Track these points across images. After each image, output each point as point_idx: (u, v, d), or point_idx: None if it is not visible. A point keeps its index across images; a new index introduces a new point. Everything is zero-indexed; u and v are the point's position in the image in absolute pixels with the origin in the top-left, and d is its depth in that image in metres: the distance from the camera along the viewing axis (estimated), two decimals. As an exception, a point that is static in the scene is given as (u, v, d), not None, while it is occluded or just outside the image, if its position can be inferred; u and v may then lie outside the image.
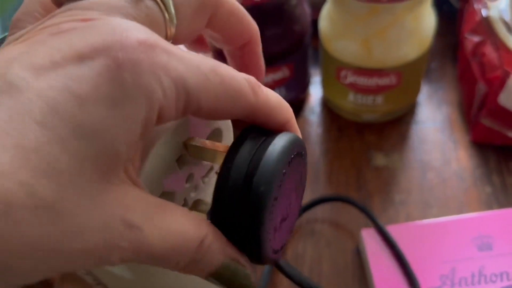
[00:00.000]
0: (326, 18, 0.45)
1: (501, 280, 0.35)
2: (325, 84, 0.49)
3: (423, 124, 0.49)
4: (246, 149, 0.18)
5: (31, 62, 0.14)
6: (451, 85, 0.52)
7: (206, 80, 0.16)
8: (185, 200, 0.23)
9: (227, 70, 0.17)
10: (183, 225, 0.16)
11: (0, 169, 0.12)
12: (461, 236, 0.38)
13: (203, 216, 0.22)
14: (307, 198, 0.44)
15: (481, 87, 0.44)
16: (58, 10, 0.17)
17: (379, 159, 0.46)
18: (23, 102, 0.13)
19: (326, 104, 0.52)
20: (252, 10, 0.41)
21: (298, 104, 0.52)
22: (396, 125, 0.49)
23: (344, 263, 0.40)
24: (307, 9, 0.46)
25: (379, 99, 0.45)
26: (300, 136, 0.21)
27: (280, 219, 0.19)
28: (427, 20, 0.42)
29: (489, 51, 0.44)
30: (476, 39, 0.46)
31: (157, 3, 0.17)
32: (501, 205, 0.42)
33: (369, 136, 0.48)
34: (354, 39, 0.42)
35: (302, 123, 0.50)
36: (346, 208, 0.43)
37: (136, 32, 0.15)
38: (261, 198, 0.17)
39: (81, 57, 0.14)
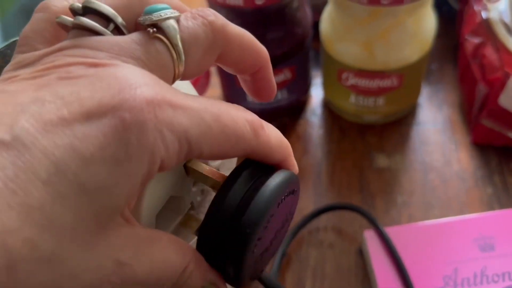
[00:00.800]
0: (327, 21, 0.45)
1: (503, 280, 0.36)
2: (327, 86, 0.49)
3: (424, 125, 0.49)
4: (239, 186, 0.19)
5: (39, 115, 0.14)
6: (451, 86, 0.52)
7: (208, 130, 0.16)
8: (192, 203, 0.24)
9: (230, 116, 0.17)
10: (168, 255, 0.17)
11: (7, 226, 0.12)
12: (463, 236, 0.38)
13: (191, 233, 0.23)
14: (309, 200, 0.44)
15: (482, 88, 0.45)
16: (66, 42, 0.17)
17: (381, 160, 0.46)
18: (29, 160, 0.13)
19: (327, 106, 0.52)
20: (254, 13, 0.41)
21: (299, 106, 0.52)
22: (397, 126, 0.49)
23: (347, 265, 0.40)
24: (308, 12, 0.46)
25: (381, 100, 0.46)
26: (297, 170, 0.21)
27: (262, 252, 0.20)
28: (428, 22, 0.43)
29: (490, 53, 0.44)
30: (476, 40, 0.46)
31: (166, 45, 0.17)
32: (503, 205, 0.42)
33: (370, 137, 0.48)
34: (355, 41, 0.42)
35: (303, 124, 0.51)
36: (348, 210, 0.43)
37: (144, 89, 0.15)
38: (246, 239, 0.18)
39: (89, 115, 0.14)
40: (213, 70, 0.54)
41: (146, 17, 0.18)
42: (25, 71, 0.16)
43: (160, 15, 0.17)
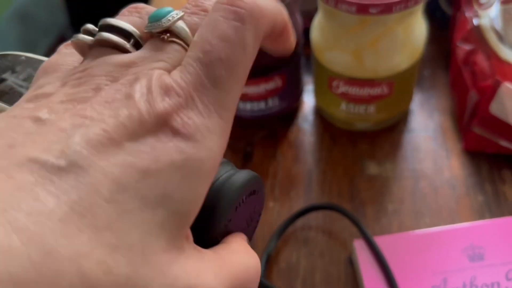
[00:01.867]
0: (317, 29, 0.45)
1: (493, 290, 0.36)
2: (318, 93, 0.49)
3: (416, 132, 0.49)
4: None
5: (88, 138, 0.14)
6: (444, 93, 0.52)
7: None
8: None
9: None
10: (244, 260, 0.18)
11: (80, 251, 0.13)
12: (452, 246, 0.38)
13: None
14: (300, 207, 0.44)
15: (473, 96, 0.44)
16: (91, 61, 0.17)
17: (372, 168, 0.46)
18: (89, 182, 0.13)
19: (319, 113, 0.52)
20: (244, 22, 0.41)
21: (291, 112, 0.52)
22: (388, 134, 0.49)
23: (337, 274, 0.40)
24: (299, 20, 0.46)
25: (371, 108, 0.45)
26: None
27: None
28: (418, 29, 0.42)
29: (481, 60, 0.44)
30: (467, 47, 0.46)
31: (182, 45, 0.18)
32: (493, 213, 0.42)
33: (362, 145, 0.48)
34: (345, 49, 0.42)
35: (295, 131, 0.51)
36: (339, 217, 0.43)
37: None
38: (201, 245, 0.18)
39: (133, 133, 0.15)
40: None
41: (155, 24, 0.18)
42: (54, 96, 0.16)
43: (169, 20, 0.18)
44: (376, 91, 0.44)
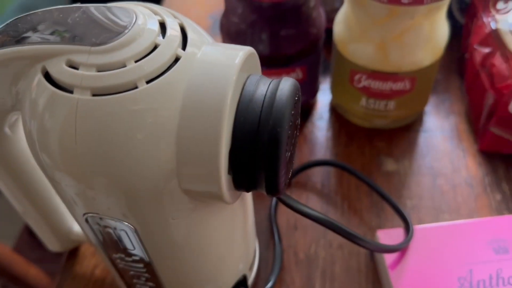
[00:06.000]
0: (342, 22, 0.45)
1: (518, 283, 0.35)
2: (336, 88, 0.49)
3: (432, 132, 0.49)
4: (256, 95, 0.21)
5: None
6: (457, 97, 0.52)
7: None
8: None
9: None
10: None
11: None
12: (477, 238, 0.38)
13: None
14: (318, 204, 0.44)
15: (490, 97, 0.45)
16: None
17: (390, 165, 0.46)
18: None
19: (334, 111, 0.52)
20: (271, 8, 0.41)
21: (307, 108, 0.52)
22: (405, 133, 0.49)
23: (357, 265, 0.39)
24: (322, 13, 0.46)
25: (392, 104, 0.45)
26: None
27: (289, 155, 0.22)
28: (442, 27, 0.43)
29: (499, 62, 0.45)
30: (485, 50, 0.47)
31: None
32: (512, 212, 0.42)
33: (378, 142, 0.48)
34: (370, 42, 0.42)
35: (310, 127, 0.50)
36: (358, 210, 0.42)
37: None
38: (277, 138, 0.20)
39: None
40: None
41: None
42: None
43: None
44: (398, 86, 0.44)
